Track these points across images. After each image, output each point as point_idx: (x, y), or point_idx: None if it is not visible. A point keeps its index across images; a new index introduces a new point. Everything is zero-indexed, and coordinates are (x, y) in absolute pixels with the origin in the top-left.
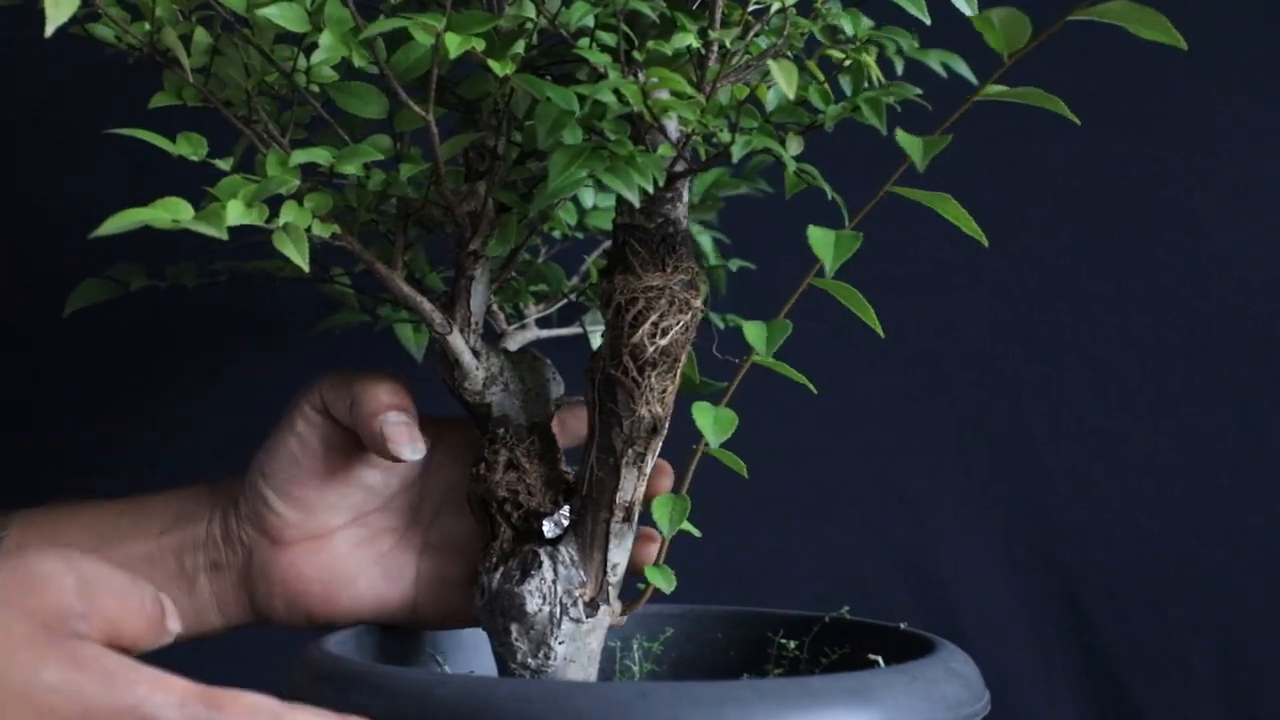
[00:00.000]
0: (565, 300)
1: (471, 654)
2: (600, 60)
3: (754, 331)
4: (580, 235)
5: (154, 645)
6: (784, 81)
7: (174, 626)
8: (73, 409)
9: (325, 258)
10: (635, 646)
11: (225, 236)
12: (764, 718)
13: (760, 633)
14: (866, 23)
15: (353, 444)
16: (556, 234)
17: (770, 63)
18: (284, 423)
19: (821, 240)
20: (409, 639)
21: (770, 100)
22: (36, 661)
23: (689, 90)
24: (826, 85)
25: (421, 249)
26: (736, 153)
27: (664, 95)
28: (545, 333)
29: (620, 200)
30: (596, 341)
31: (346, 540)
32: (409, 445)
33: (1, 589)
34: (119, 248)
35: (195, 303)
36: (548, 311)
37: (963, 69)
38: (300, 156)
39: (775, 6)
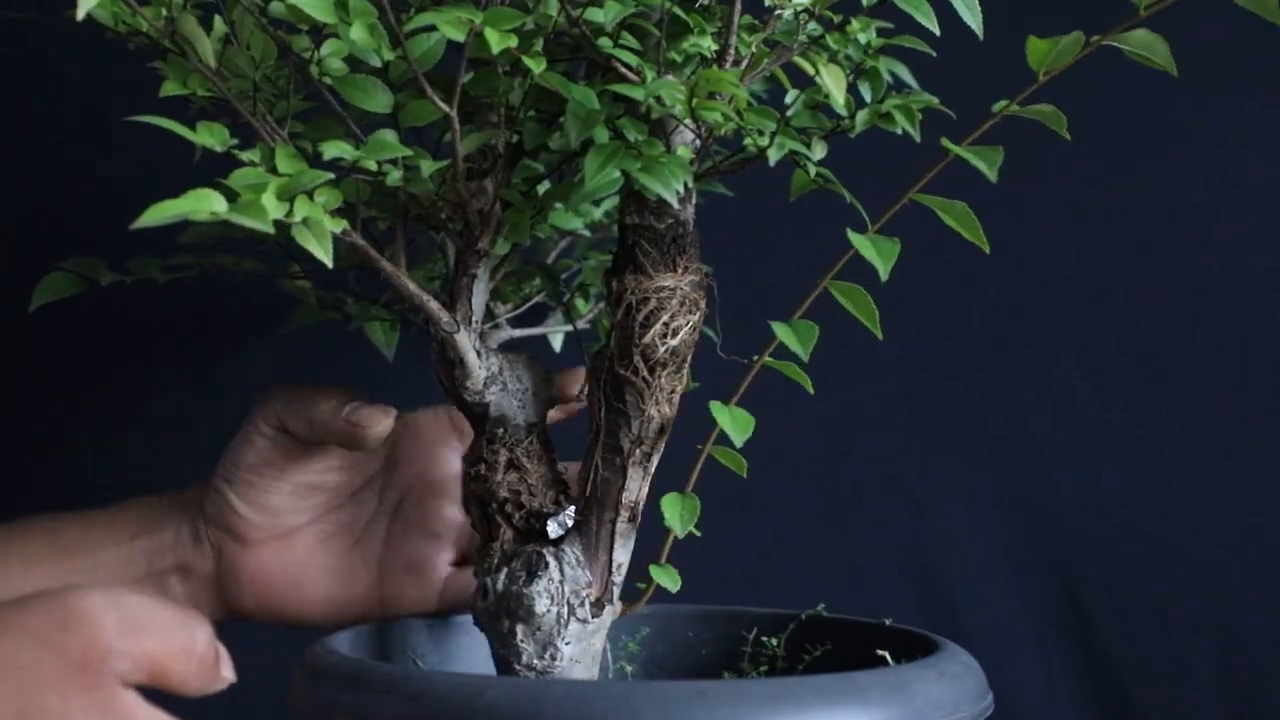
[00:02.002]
0: (535, 300)
1: (447, 653)
2: (630, 60)
3: (785, 333)
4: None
5: (205, 690)
6: (833, 86)
7: (228, 673)
8: (47, 408)
9: (284, 254)
10: (613, 646)
11: (272, 230)
12: (819, 713)
13: (734, 631)
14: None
15: (311, 451)
16: (541, 234)
17: (821, 68)
18: (241, 434)
19: (867, 246)
20: (386, 640)
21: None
22: (63, 707)
23: (741, 92)
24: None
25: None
26: (773, 155)
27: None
28: (518, 332)
29: (627, 200)
30: (558, 345)
31: (311, 537)
32: (380, 420)
33: (39, 626)
34: (71, 241)
35: (164, 298)
36: (518, 311)
37: (906, 76)
38: (329, 150)
39: (788, 11)
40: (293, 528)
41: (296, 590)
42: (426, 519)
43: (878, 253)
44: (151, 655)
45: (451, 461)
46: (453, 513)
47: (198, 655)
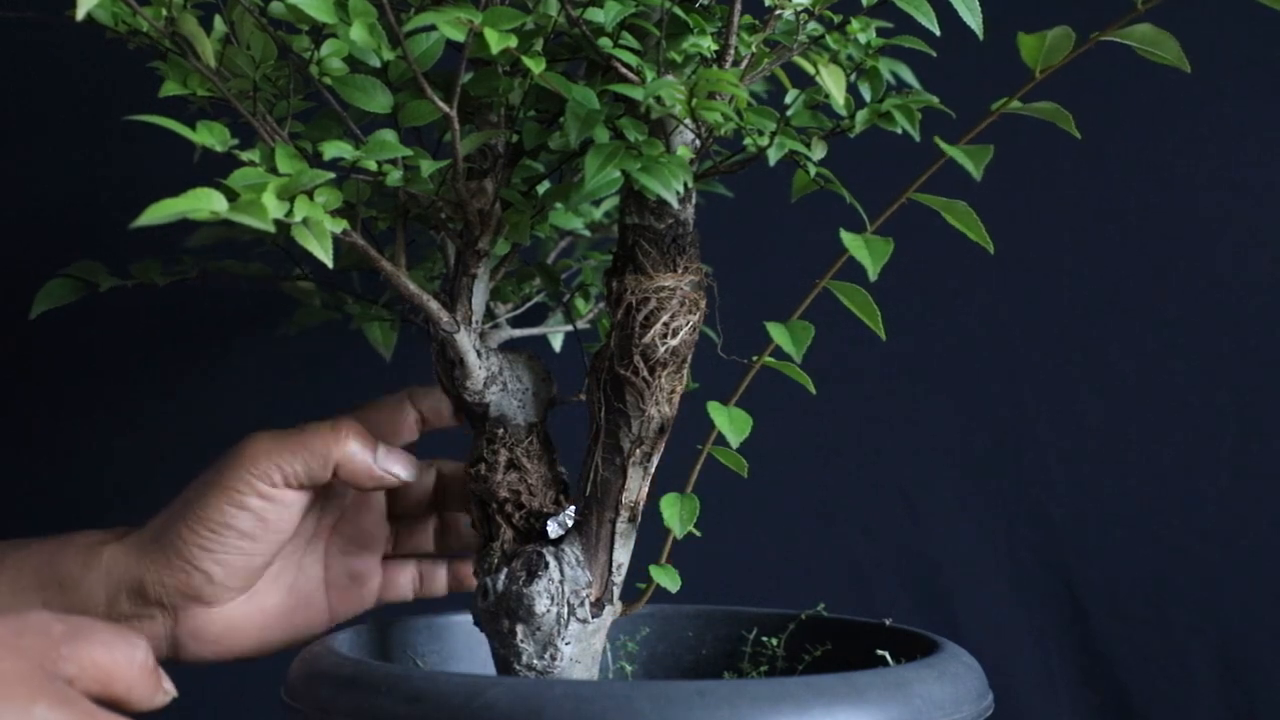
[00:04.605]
0: (535, 300)
1: (447, 653)
2: (630, 60)
3: (780, 333)
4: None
5: (151, 701)
6: (833, 86)
7: (169, 687)
8: (47, 411)
9: (287, 256)
10: (612, 645)
11: (272, 229)
12: (819, 713)
13: (734, 631)
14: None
15: (303, 500)
16: (541, 234)
17: (821, 68)
18: (224, 499)
19: (858, 245)
20: (386, 640)
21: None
22: (32, 694)
23: (741, 92)
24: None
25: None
26: (773, 155)
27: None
28: (518, 332)
29: (627, 200)
30: (558, 345)
31: (269, 579)
32: (406, 466)
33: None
34: (71, 243)
35: (160, 302)
36: (518, 311)
37: (907, 76)
38: (329, 150)
39: (788, 11)
40: (258, 577)
41: (260, 634)
42: (362, 530)
43: (869, 252)
44: (96, 663)
45: None
46: (379, 519)
47: (139, 663)
